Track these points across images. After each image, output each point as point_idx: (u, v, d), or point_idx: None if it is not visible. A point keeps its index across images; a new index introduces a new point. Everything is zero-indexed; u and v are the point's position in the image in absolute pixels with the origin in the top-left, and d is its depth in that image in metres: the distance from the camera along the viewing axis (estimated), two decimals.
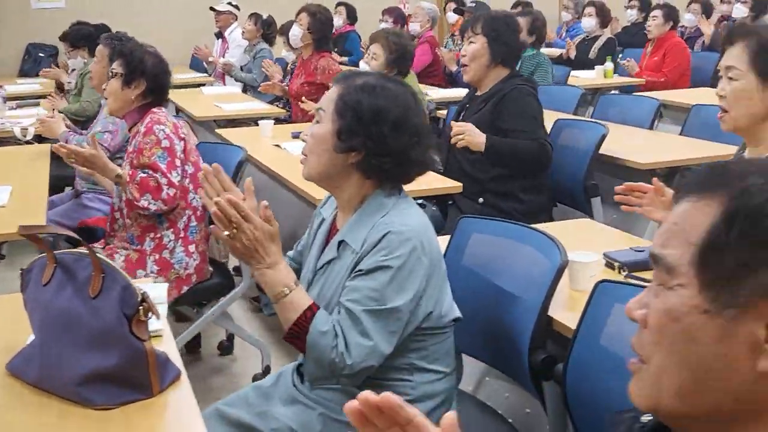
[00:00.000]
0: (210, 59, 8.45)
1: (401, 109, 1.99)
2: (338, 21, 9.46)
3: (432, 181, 3.67)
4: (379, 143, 1.97)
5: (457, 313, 2.12)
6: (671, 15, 7.18)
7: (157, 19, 9.52)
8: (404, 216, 1.98)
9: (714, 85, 6.43)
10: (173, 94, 6.77)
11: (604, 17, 7.87)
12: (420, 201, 3.82)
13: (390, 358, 1.99)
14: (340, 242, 2.03)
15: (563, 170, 4.01)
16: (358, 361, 1.89)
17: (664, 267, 0.94)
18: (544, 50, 8.33)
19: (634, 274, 2.43)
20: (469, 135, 3.73)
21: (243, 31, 8.15)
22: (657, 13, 7.20)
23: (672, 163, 3.94)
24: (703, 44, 8.10)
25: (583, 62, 7.65)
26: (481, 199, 3.87)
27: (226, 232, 1.89)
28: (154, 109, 3.35)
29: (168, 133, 3.27)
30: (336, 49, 8.31)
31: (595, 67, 7.14)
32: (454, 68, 7.05)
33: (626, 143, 4.24)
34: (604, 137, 3.89)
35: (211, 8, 8.67)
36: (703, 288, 0.90)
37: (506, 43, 3.86)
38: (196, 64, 9.09)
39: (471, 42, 3.90)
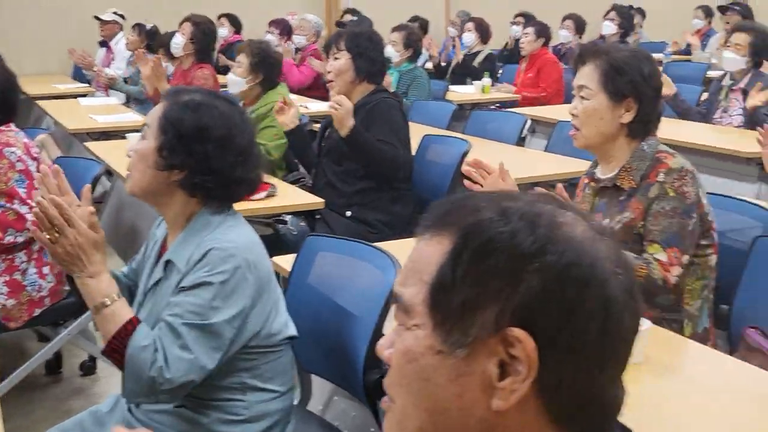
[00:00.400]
0: (94, 69, 8.26)
1: (226, 128, 1.97)
2: (224, 32, 9.37)
3: (296, 197, 3.67)
4: (201, 162, 1.96)
5: (292, 332, 2.12)
6: (543, 32, 7.36)
7: (34, 26, 9.25)
8: (230, 233, 1.98)
9: None
10: (49, 105, 6.65)
11: (484, 33, 8.00)
12: (289, 215, 3.84)
13: (220, 377, 1.98)
14: (167, 262, 2.01)
15: (428, 184, 4.06)
16: (178, 375, 1.87)
17: (402, 306, 0.93)
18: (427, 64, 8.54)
19: None
20: (343, 111, 3.72)
21: (127, 42, 8.00)
22: (529, 30, 7.37)
23: (532, 179, 4.01)
24: None
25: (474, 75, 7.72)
26: (348, 212, 3.90)
27: (47, 235, 1.85)
28: (2, 128, 3.21)
29: (20, 155, 3.15)
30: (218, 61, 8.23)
31: (473, 82, 7.25)
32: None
33: (491, 159, 4.28)
34: (466, 153, 3.94)
35: (96, 17, 8.49)
36: (435, 328, 0.89)
37: (370, 59, 3.91)
38: (80, 74, 8.88)
39: (336, 58, 3.94)
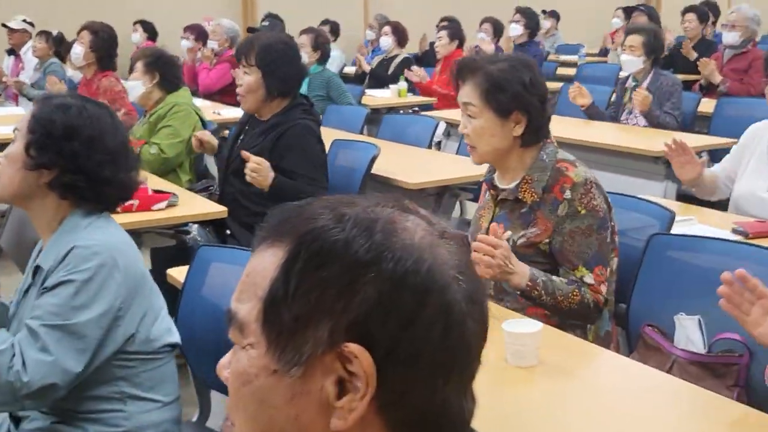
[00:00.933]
0: (3, 79, 8.01)
1: (95, 129, 1.96)
2: (137, 37, 9.20)
3: (199, 206, 3.58)
4: (70, 160, 1.93)
5: (174, 339, 2.07)
6: (456, 34, 7.37)
7: None
8: (96, 233, 1.94)
9: None
10: None
11: (401, 36, 7.98)
12: (195, 225, 3.74)
13: (98, 387, 1.93)
14: (36, 267, 1.97)
15: (339, 190, 3.98)
16: (37, 378, 1.81)
17: (236, 324, 0.88)
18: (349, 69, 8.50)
19: None
20: (262, 176, 3.55)
21: (34, 49, 7.78)
22: (442, 33, 7.38)
23: (441, 182, 3.99)
24: None
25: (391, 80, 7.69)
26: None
27: None
28: None
29: None
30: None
31: (390, 86, 7.22)
32: None
33: (401, 163, 4.28)
34: (375, 157, 3.90)
35: (3, 25, 8.24)
36: (269, 347, 0.84)
37: (282, 75, 3.68)
38: None
39: (245, 73, 3.72)
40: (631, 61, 5.34)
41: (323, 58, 6.37)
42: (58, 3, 9.15)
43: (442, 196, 3.96)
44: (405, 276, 0.83)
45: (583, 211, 2.41)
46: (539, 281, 2.36)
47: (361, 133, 5.33)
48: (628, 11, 9.51)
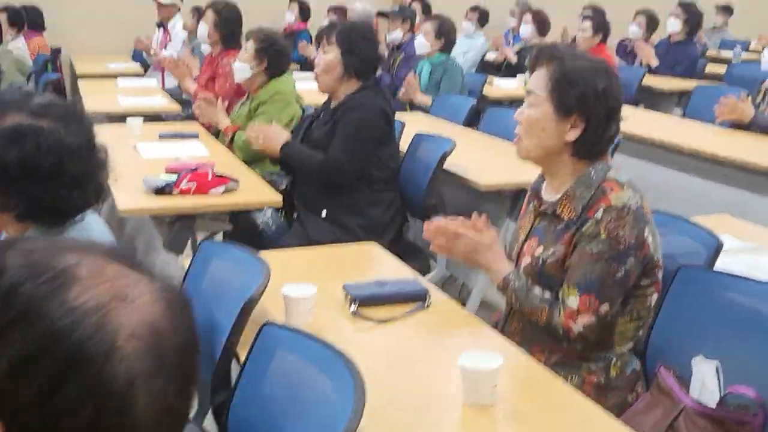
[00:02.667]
0: (150, 52, 8.30)
1: (54, 157, 1.76)
2: (290, 16, 9.32)
3: (257, 193, 3.52)
4: (31, 200, 1.78)
5: None
6: (601, 27, 6.98)
7: (92, 6, 9.36)
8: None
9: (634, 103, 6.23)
10: (86, 84, 6.67)
11: (542, 25, 7.69)
12: (270, 209, 3.72)
13: None
14: None
15: (411, 185, 3.86)
16: None
17: None
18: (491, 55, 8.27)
19: (362, 310, 2.28)
20: (266, 139, 3.69)
21: (184, 25, 8.01)
22: (586, 24, 7.00)
23: (515, 185, 3.78)
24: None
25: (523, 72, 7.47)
26: (323, 212, 3.73)
27: None
28: None
29: None
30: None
31: (517, 75, 6.96)
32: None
33: (488, 159, 4.12)
34: (447, 153, 3.74)
35: None
36: None
37: (360, 56, 3.72)
38: (139, 56, 8.95)
39: (324, 51, 3.78)
40: None
41: (447, 47, 6.21)
42: None
43: (517, 199, 3.74)
44: (51, 341, 0.73)
45: (603, 236, 2.19)
46: (512, 284, 2.31)
47: (464, 125, 5.14)
48: None
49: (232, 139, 4.45)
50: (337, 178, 3.65)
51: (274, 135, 3.81)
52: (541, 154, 2.32)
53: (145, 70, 8.34)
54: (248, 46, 4.51)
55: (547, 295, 2.28)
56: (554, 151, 2.29)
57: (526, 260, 2.33)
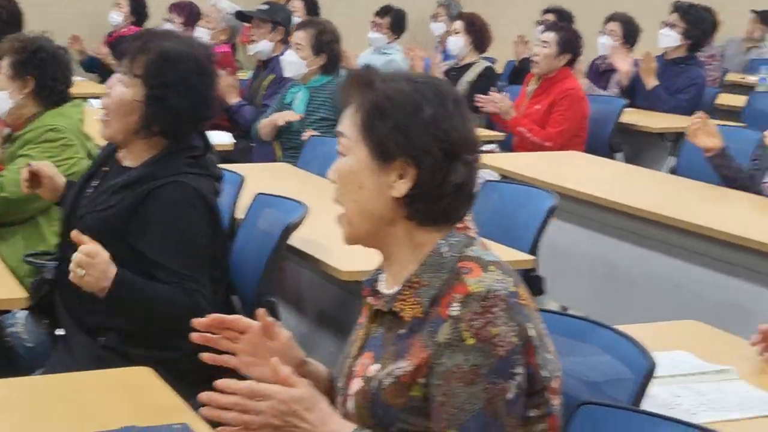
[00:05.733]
0: None
1: None
2: (117, 18, 9.30)
3: None
4: None
5: None
6: (569, 43, 7.04)
7: None
8: None
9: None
10: None
11: (479, 35, 7.76)
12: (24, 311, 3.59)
13: None
14: None
15: (245, 261, 3.92)
16: None
17: None
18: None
19: None
20: (91, 273, 3.21)
21: None
22: (548, 37, 7.01)
23: None
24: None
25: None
26: (102, 338, 3.46)
27: None
28: None
29: None
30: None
31: None
32: None
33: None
34: (294, 224, 3.80)
35: None
36: None
37: (176, 105, 3.41)
38: None
39: (119, 81, 3.47)
40: None
41: (331, 66, 6.31)
42: None
43: None
44: None
45: (470, 341, 2.14)
46: None
47: None
48: None
49: None
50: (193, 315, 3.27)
51: (102, 266, 3.27)
52: (364, 226, 2.31)
53: None
54: (3, 65, 4.44)
55: None
56: (382, 217, 2.28)
57: (356, 385, 2.28)
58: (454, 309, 2.17)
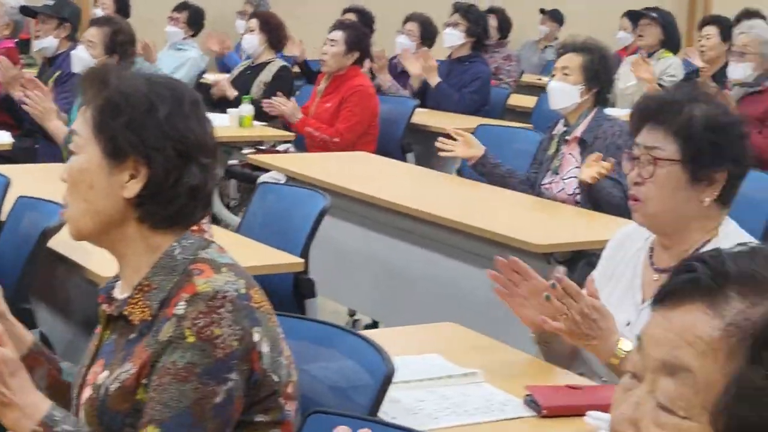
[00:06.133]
0: None
1: None
2: None
3: None
4: None
5: None
6: (357, 41, 7.10)
7: None
8: None
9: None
10: None
11: (274, 33, 7.76)
12: None
13: None
14: None
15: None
16: None
17: None
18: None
19: None
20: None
21: None
22: (336, 35, 7.07)
23: None
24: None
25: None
26: None
27: None
28: None
29: None
30: None
31: (228, 110, 6.99)
32: None
33: None
34: (50, 230, 3.74)
35: None
36: None
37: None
38: None
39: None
40: (561, 92, 5.14)
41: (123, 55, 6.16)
42: None
43: None
44: None
45: (190, 339, 2.14)
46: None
47: None
48: (632, 17, 9.32)
49: None
50: None
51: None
52: (91, 225, 2.28)
53: None
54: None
55: None
56: (112, 218, 2.26)
57: (86, 393, 2.27)
58: (180, 308, 2.17)
